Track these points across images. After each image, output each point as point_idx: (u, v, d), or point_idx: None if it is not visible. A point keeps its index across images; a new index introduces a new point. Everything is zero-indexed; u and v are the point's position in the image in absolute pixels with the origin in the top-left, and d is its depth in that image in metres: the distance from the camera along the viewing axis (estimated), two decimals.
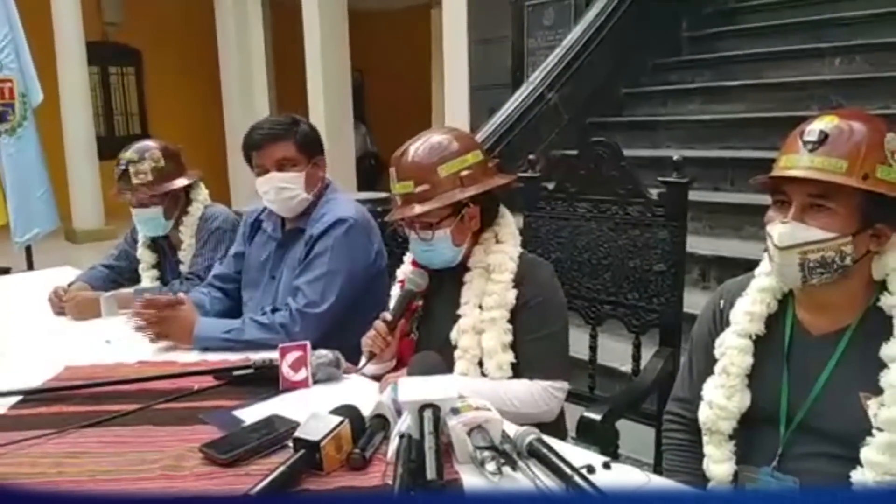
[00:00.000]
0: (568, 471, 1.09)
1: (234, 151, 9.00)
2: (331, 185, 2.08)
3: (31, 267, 4.32)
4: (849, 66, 4.04)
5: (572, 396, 1.82)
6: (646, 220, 1.96)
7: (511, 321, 1.55)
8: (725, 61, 4.66)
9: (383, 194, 1.75)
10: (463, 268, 1.62)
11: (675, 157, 1.91)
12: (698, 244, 3.18)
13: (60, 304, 2.21)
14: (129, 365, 1.73)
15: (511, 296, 1.55)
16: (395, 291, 1.72)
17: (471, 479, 1.14)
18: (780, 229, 1.19)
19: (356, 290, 1.95)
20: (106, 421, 1.40)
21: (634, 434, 1.95)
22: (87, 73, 8.09)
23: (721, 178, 3.75)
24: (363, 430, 1.23)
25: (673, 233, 1.91)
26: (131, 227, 2.58)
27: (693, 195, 1.96)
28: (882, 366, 1.16)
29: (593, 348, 2.14)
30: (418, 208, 1.53)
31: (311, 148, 2.01)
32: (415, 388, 1.21)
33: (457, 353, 1.56)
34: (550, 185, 2.18)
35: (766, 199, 1.27)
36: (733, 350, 1.30)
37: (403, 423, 1.19)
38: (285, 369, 1.55)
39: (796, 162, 1.18)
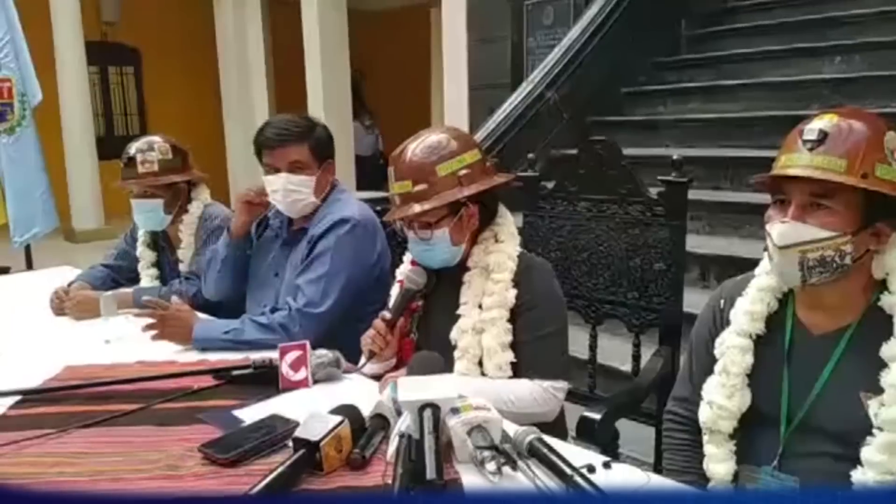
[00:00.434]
0: (568, 470, 1.09)
1: (233, 151, 9.01)
2: (338, 186, 2.08)
3: (30, 267, 4.31)
4: (849, 65, 4.03)
5: (572, 396, 1.82)
6: (645, 220, 1.96)
7: (511, 321, 1.54)
8: (725, 60, 4.66)
9: (384, 194, 1.74)
10: (462, 268, 1.62)
11: (674, 157, 1.91)
12: (698, 243, 3.18)
13: (62, 304, 2.22)
14: (129, 365, 1.72)
15: (511, 295, 1.54)
16: (395, 291, 1.71)
17: (471, 479, 1.14)
18: (779, 228, 1.19)
19: (357, 290, 1.95)
20: (105, 421, 1.39)
21: (635, 434, 1.95)
22: (86, 72, 8.09)
23: (721, 178, 3.75)
24: (363, 429, 1.23)
25: (673, 232, 1.91)
26: (131, 226, 2.58)
27: (693, 194, 1.96)
28: (882, 365, 1.16)
29: (593, 348, 2.14)
30: (417, 208, 1.53)
31: (323, 152, 2.01)
32: (415, 387, 1.21)
33: (456, 353, 1.56)
34: (550, 185, 2.18)
35: (766, 199, 1.26)
36: (733, 349, 1.30)
37: (403, 423, 1.19)
38: (285, 369, 1.54)
39: (796, 161, 1.18)
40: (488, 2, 6.05)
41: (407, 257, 1.73)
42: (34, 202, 4.42)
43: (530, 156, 2.28)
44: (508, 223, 1.65)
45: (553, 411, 1.55)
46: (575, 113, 4.66)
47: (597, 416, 1.63)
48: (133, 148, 2.34)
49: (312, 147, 1.97)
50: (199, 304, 2.15)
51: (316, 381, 1.56)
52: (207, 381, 1.58)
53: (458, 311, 1.58)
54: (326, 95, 7.36)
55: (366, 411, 1.27)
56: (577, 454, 1.20)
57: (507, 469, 1.10)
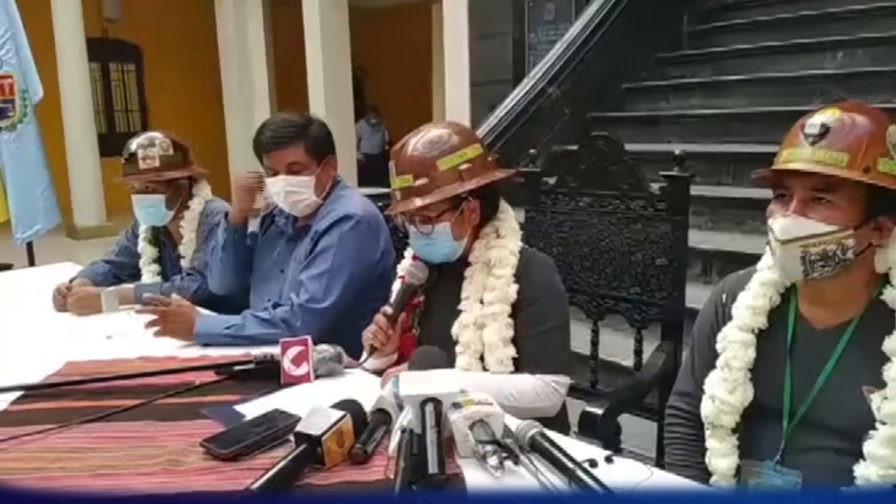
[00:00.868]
0: (570, 465, 1.09)
1: (234, 148, 9.02)
2: (341, 183, 2.07)
3: (32, 263, 4.32)
4: (851, 61, 4.02)
5: (574, 391, 1.82)
6: (647, 215, 1.95)
7: (512, 316, 1.54)
8: (727, 56, 4.65)
9: (386, 189, 1.74)
10: (464, 263, 1.61)
11: (676, 152, 1.91)
12: (700, 238, 3.17)
13: (63, 300, 2.22)
14: (130, 360, 1.72)
15: (512, 290, 1.54)
16: (396, 286, 1.71)
17: (473, 474, 1.14)
18: (781, 223, 1.19)
19: (360, 286, 1.94)
20: (107, 416, 1.40)
21: (637, 428, 1.95)
22: (87, 69, 8.10)
23: (723, 173, 3.75)
24: (365, 424, 1.23)
25: (675, 227, 1.91)
26: (132, 223, 2.59)
27: (695, 190, 1.96)
28: (885, 359, 1.16)
29: (595, 343, 2.14)
30: (418, 202, 1.53)
31: (321, 150, 1.99)
32: (416, 382, 1.21)
33: (458, 348, 1.56)
34: (552, 180, 2.18)
35: (768, 194, 1.26)
36: (736, 344, 1.30)
37: (405, 418, 1.19)
38: (287, 364, 1.54)
39: (798, 155, 1.17)
40: None
41: (408, 252, 1.72)
42: (36, 199, 4.41)
43: (532, 151, 2.28)
44: (510, 218, 1.65)
45: (555, 406, 1.55)
46: (576, 109, 4.65)
47: (599, 411, 1.63)
48: (134, 144, 2.34)
49: (309, 146, 1.96)
50: (201, 300, 2.16)
51: (317, 377, 1.56)
52: (209, 376, 1.58)
53: (460, 306, 1.58)
54: (328, 93, 7.36)
55: (367, 406, 1.27)
56: (579, 449, 1.20)
57: (508, 463, 1.10)
